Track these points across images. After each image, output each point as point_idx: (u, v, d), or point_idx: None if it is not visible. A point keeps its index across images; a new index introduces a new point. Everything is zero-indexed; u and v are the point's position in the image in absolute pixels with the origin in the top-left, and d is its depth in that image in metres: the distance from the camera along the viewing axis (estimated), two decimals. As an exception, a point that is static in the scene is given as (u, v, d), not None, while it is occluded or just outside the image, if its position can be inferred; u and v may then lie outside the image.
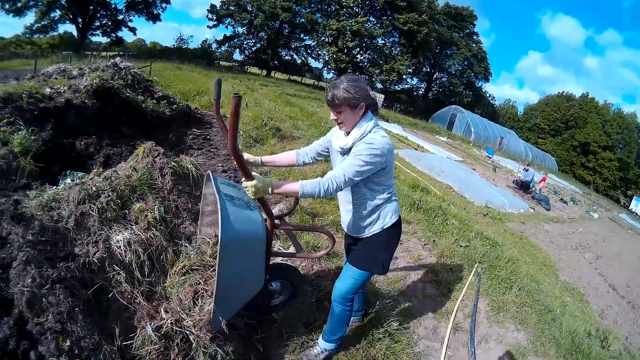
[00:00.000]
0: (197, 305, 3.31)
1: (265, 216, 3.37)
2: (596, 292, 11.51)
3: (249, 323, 3.76)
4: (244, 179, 2.90)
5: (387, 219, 3.40)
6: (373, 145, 2.99)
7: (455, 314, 5.38)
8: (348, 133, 3.22)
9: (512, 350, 5.13)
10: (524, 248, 11.51)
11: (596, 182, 74.19)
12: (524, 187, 22.61)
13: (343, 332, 3.80)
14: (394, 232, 3.49)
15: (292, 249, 4.36)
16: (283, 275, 4.05)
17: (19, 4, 44.17)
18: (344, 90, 3.01)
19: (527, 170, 23.30)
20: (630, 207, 62.46)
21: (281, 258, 4.31)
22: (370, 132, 3.10)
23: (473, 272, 6.67)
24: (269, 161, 3.78)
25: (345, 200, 3.48)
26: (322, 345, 3.80)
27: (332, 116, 3.18)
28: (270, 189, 2.86)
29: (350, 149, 3.14)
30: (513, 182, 23.61)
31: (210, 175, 3.54)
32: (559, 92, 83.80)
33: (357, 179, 3.03)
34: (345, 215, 3.55)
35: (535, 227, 15.83)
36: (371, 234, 3.43)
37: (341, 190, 3.06)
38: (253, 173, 2.90)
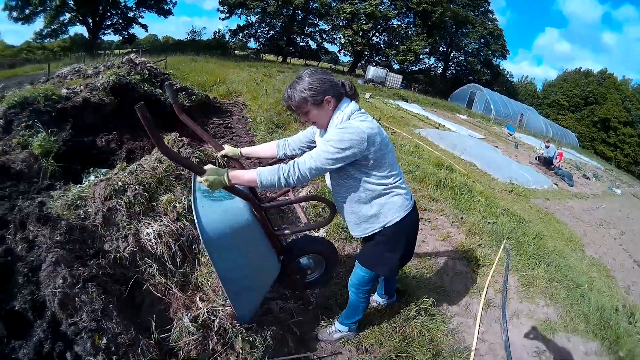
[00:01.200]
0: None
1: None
2: (622, 268, 11.40)
3: (283, 308, 3.77)
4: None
5: (388, 216, 3.08)
6: (346, 130, 2.72)
7: (487, 291, 5.40)
8: (326, 130, 2.99)
9: (542, 325, 5.12)
10: (549, 224, 11.40)
11: (617, 157, 73.44)
12: (546, 163, 22.40)
13: (357, 319, 3.74)
14: (399, 231, 3.15)
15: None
16: (311, 250, 3.98)
17: (27, 11, 44.46)
18: (300, 91, 2.81)
19: (548, 147, 23.07)
20: (652, 184, 62.00)
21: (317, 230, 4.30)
22: (349, 117, 2.86)
23: (501, 248, 6.65)
24: (248, 153, 3.66)
25: (337, 197, 3.22)
26: (336, 326, 3.80)
27: (303, 119, 2.98)
28: (226, 179, 2.65)
29: None
30: (535, 159, 23.41)
31: (193, 175, 3.41)
32: (576, 68, 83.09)
33: (327, 167, 2.75)
34: (341, 212, 3.29)
35: (560, 203, 15.70)
36: (372, 233, 3.17)
37: (307, 179, 2.78)
38: (207, 166, 2.67)
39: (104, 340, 2.63)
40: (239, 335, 3.09)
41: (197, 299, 3.21)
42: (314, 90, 2.79)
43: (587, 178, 26.86)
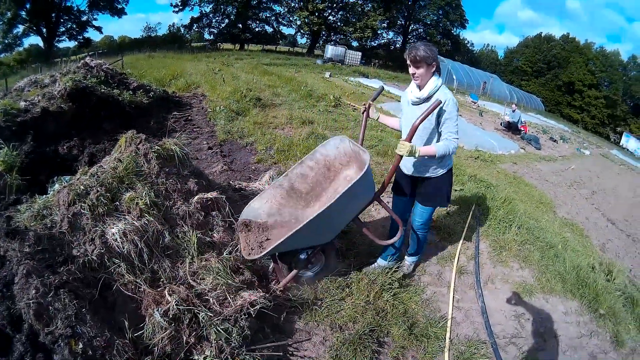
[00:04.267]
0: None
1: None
2: (595, 226, 11.57)
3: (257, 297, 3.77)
4: (403, 139, 3.61)
5: (448, 162, 4.24)
6: (454, 101, 3.79)
7: (459, 258, 5.45)
8: (420, 87, 3.93)
9: (519, 288, 5.18)
10: (518, 187, 11.54)
11: (584, 120, 74.54)
12: (512, 128, 22.60)
13: (424, 248, 4.93)
14: (451, 172, 4.37)
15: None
16: (321, 246, 4.10)
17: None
18: (423, 50, 3.69)
19: (514, 111, 23.31)
20: (620, 143, 62.72)
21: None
22: (441, 85, 3.88)
23: (470, 214, 6.71)
24: (382, 120, 4.52)
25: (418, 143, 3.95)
26: (409, 260, 4.93)
27: (411, 71, 3.83)
28: (417, 150, 3.57)
29: (427, 98, 3.87)
30: (501, 125, 23.61)
31: (346, 140, 4.36)
32: (537, 34, 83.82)
33: (457, 130, 3.85)
34: (410, 160, 4.20)
35: (528, 167, 15.90)
36: (438, 175, 4.20)
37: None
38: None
39: (80, 345, 2.60)
40: (212, 328, 3.08)
41: (166, 292, 3.20)
42: (432, 54, 3.73)
43: (555, 141, 27.19)
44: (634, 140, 60.72)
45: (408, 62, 3.82)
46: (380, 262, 4.80)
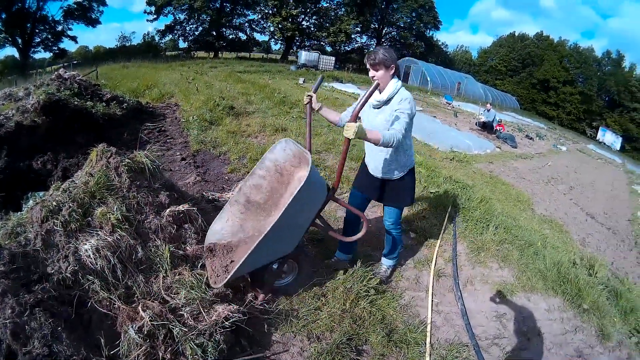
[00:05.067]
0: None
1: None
2: (575, 221, 11.67)
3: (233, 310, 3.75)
4: (347, 122, 3.48)
5: (410, 161, 4.36)
6: (410, 100, 3.88)
7: (436, 261, 5.46)
8: (379, 91, 4.01)
9: (500, 288, 5.20)
10: (495, 187, 11.62)
11: (560, 116, 75.38)
12: (487, 127, 22.79)
13: (399, 250, 4.93)
14: (413, 171, 4.49)
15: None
16: (290, 255, 4.08)
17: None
18: (382, 54, 3.86)
19: (488, 111, 23.46)
20: (597, 138, 63.57)
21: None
22: (401, 87, 3.99)
23: (447, 216, 6.73)
24: (323, 112, 4.42)
25: (384, 152, 4.22)
26: (386, 263, 4.95)
27: (370, 74, 3.95)
28: (363, 132, 3.44)
29: (387, 100, 3.99)
30: (476, 125, 23.78)
31: (290, 141, 4.28)
32: (510, 33, 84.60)
33: (408, 127, 3.90)
34: (378, 161, 4.31)
35: (504, 165, 16.01)
36: (402, 175, 4.33)
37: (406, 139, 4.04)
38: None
39: (58, 365, 2.59)
40: (187, 343, 3.06)
41: (140, 308, 3.17)
42: (391, 57, 3.89)
43: (531, 138, 27.48)
44: (610, 134, 61.76)
45: (367, 65, 3.98)
46: (340, 255, 4.95)
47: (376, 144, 3.63)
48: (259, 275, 3.94)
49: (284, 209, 3.34)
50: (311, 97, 4.29)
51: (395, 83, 3.96)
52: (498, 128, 23.26)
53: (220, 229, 4.12)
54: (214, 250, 3.98)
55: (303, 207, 3.66)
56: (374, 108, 4.14)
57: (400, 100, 3.87)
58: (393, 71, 3.95)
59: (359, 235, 4.16)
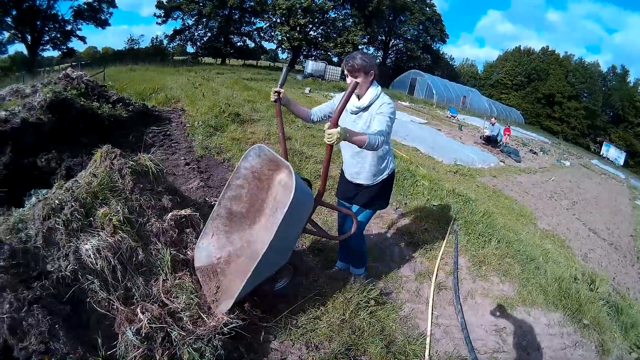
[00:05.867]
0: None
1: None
2: (577, 236, 11.65)
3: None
4: (328, 125, 3.22)
5: (390, 165, 4.31)
6: (391, 104, 3.81)
7: (437, 273, 5.44)
8: (359, 97, 3.94)
9: (500, 302, 5.19)
10: (498, 201, 11.61)
11: (564, 131, 75.40)
12: (491, 141, 22.70)
13: (367, 260, 4.93)
14: (392, 176, 4.44)
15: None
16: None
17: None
18: (361, 59, 3.74)
19: (493, 125, 23.42)
20: (601, 153, 63.53)
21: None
22: (381, 93, 3.91)
23: (449, 229, 6.71)
24: (292, 106, 4.28)
25: (363, 156, 4.16)
26: (355, 273, 4.85)
27: (349, 80, 3.85)
28: (347, 135, 3.27)
29: (366, 107, 3.91)
30: (480, 138, 23.70)
31: (264, 148, 4.00)
32: (516, 47, 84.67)
33: (390, 131, 3.78)
34: (355, 167, 4.27)
35: (508, 180, 15.98)
36: (380, 180, 4.26)
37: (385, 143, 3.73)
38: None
39: (53, 361, 2.58)
40: (185, 347, 3.05)
41: (138, 310, 3.16)
42: (370, 63, 3.78)
43: (535, 153, 27.49)
44: (614, 149, 61.63)
45: (345, 72, 3.88)
46: (341, 265, 5.05)
47: (360, 147, 3.47)
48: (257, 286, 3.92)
49: (275, 233, 3.26)
50: (279, 92, 4.05)
51: (374, 90, 3.90)
52: (506, 133, 23.38)
53: (207, 244, 4.06)
54: (205, 271, 3.93)
55: (292, 223, 3.60)
56: (352, 114, 4.07)
57: (381, 105, 3.80)
58: (372, 77, 3.87)
59: (349, 233, 4.20)
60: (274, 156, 3.96)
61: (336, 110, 3.23)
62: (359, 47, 62.40)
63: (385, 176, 4.27)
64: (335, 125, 3.21)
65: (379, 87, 3.94)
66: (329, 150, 3.47)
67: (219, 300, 3.61)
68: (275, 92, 4.05)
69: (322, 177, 3.79)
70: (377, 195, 4.34)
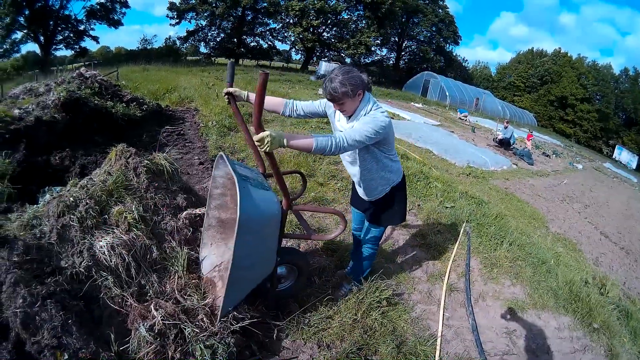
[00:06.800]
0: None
1: (281, 197, 3.56)
2: (588, 240, 11.58)
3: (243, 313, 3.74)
4: (253, 131, 2.91)
5: (392, 179, 3.95)
6: (377, 121, 3.32)
7: (449, 275, 5.43)
8: (349, 117, 3.57)
9: (511, 305, 5.18)
10: (510, 203, 11.54)
11: (577, 134, 74.92)
12: (504, 144, 22.58)
13: (365, 274, 4.56)
14: (401, 188, 4.09)
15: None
16: (288, 259, 4.07)
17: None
18: (341, 85, 3.28)
19: (506, 128, 23.33)
20: (613, 156, 63.20)
21: (291, 241, 4.38)
22: (373, 106, 3.48)
23: (461, 231, 6.70)
24: (253, 99, 3.47)
25: (361, 169, 3.83)
26: (347, 287, 4.56)
27: (334, 107, 3.55)
28: (285, 141, 2.90)
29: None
30: (493, 141, 23.62)
31: (224, 156, 3.61)
32: (529, 49, 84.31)
33: (364, 142, 3.30)
34: (361, 183, 3.98)
35: (520, 182, 15.89)
36: (384, 194, 3.99)
37: (348, 149, 3.27)
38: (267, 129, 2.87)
39: (66, 356, 2.60)
40: (198, 344, 3.07)
41: (152, 307, 3.18)
42: (353, 86, 3.32)
43: (547, 156, 27.36)
44: (627, 152, 61.32)
45: (328, 100, 3.55)
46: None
47: (308, 152, 3.12)
48: (260, 286, 3.90)
49: (232, 258, 3.04)
50: (230, 93, 3.74)
51: (364, 106, 3.49)
52: (529, 139, 23.51)
53: (208, 253, 4.07)
54: (212, 280, 3.88)
55: (254, 241, 3.26)
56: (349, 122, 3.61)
57: (370, 115, 3.42)
58: (361, 96, 3.46)
59: (338, 232, 3.78)
60: (227, 167, 3.69)
61: (254, 113, 2.81)
62: (372, 48, 62.46)
63: (388, 190, 3.98)
64: (261, 128, 2.86)
65: (371, 102, 3.52)
66: (270, 158, 3.10)
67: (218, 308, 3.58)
68: (225, 94, 3.76)
69: (280, 187, 3.42)
70: (382, 210, 4.12)
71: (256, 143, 2.83)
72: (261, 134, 2.80)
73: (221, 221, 4.13)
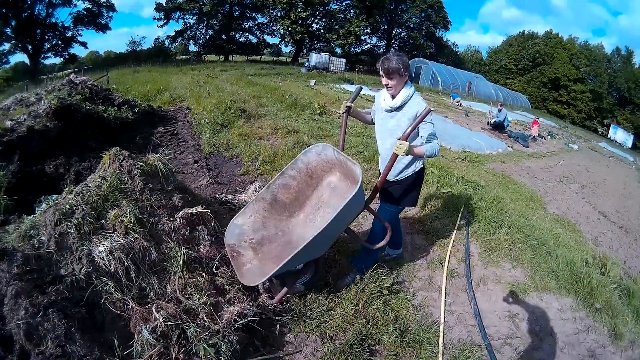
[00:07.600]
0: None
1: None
2: (587, 220, 11.61)
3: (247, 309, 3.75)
4: (399, 137, 3.61)
5: (418, 163, 4.34)
6: (426, 107, 3.72)
7: (449, 261, 5.43)
8: (393, 96, 4.09)
9: (512, 288, 5.17)
10: (507, 186, 11.55)
11: (571, 114, 74.96)
12: (498, 127, 22.64)
13: (373, 264, 4.61)
14: (421, 174, 4.50)
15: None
16: None
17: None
18: (396, 62, 3.85)
19: (500, 110, 23.32)
20: (609, 136, 63.25)
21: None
22: (414, 94, 4.06)
23: (459, 216, 6.69)
24: (359, 115, 4.67)
25: (388, 149, 4.26)
26: (352, 276, 4.57)
27: (384, 82, 3.99)
28: (410, 151, 3.62)
29: (399, 107, 4.07)
30: (487, 124, 23.69)
31: (329, 147, 4.22)
32: (520, 32, 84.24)
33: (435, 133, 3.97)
34: (386, 162, 4.07)
35: (516, 165, 15.92)
36: (407, 176, 4.35)
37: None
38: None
39: (71, 364, 2.61)
40: (201, 343, 3.07)
41: (153, 309, 3.18)
42: (404, 66, 3.90)
43: (542, 137, 27.33)
44: (622, 131, 61.45)
45: (381, 72, 3.99)
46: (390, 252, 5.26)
47: (421, 158, 3.93)
48: (281, 277, 3.96)
49: (333, 217, 3.35)
50: (349, 107, 4.36)
51: (407, 90, 4.03)
52: (534, 125, 23.66)
53: (242, 223, 4.10)
54: (237, 248, 3.96)
55: (345, 215, 3.68)
56: (386, 112, 4.23)
57: (417, 110, 3.92)
58: (406, 78, 4.01)
59: (383, 242, 4.26)
60: (338, 157, 4.15)
61: (408, 128, 3.61)
62: (362, 37, 62.60)
63: (411, 173, 4.35)
64: (407, 139, 3.56)
65: (412, 88, 4.07)
66: (392, 160, 3.75)
67: (245, 275, 3.66)
68: (347, 106, 4.35)
69: (380, 180, 3.96)
70: (404, 192, 4.44)
71: (397, 144, 3.54)
72: (406, 142, 3.52)
73: (274, 199, 4.27)
